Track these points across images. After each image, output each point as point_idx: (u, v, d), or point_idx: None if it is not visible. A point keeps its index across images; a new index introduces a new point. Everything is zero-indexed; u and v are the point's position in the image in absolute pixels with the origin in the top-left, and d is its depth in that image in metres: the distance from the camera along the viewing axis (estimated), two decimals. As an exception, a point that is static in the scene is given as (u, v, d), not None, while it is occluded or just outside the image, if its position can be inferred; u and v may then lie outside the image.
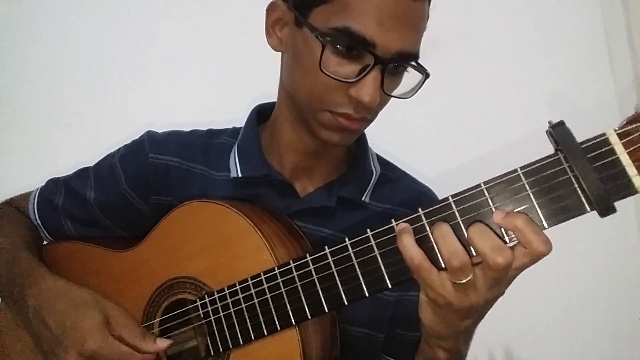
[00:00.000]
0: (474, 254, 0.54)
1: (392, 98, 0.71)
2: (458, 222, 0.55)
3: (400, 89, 0.71)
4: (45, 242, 0.92)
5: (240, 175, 0.78)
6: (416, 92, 0.71)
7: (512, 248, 0.53)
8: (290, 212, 0.78)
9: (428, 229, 0.56)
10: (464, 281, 0.54)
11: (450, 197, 0.56)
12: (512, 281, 0.57)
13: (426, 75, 0.69)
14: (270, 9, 0.73)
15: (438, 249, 0.55)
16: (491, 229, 0.54)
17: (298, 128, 0.76)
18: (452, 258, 0.54)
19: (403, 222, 0.58)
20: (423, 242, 0.56)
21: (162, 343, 0.73)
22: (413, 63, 0.68)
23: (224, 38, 1.26)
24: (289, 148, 0.79)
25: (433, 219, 0.57)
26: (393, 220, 0.59)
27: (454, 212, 0.56)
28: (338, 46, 0.64)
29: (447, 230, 0.55)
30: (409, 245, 0.56)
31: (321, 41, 0.64)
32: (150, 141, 0.84)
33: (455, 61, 1.20)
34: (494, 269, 0.52)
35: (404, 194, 0.84)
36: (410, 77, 0.70)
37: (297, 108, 0.74)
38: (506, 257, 0.52)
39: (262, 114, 0.85)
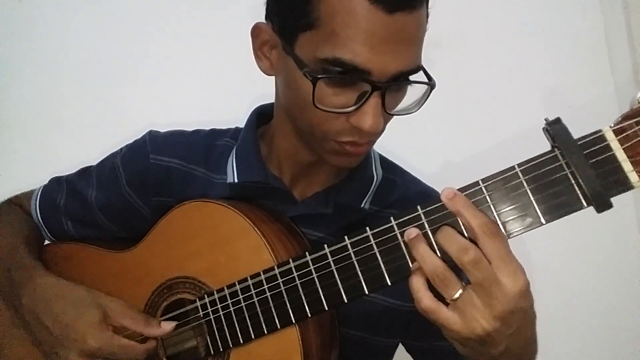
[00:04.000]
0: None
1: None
2: (457, 220, 0.55)
3: (404, 103, 0.68)
4: (46, 242, 0.92)
5: (236, 180, 0.77)
6: (422, 104, 0.68)
7: (477, 245, 0.53)
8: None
9: (427, 226, 0.56)
10: (456, 296, 0.53)
11: (448, 195, 0.56)
12: (511, 288, 0.51)
13: (431, 86, 0.65)
14: (254, 33, 0.70)
15: (423, 270, 0.55)
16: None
17: (296, 142, 0.75)
18: (436, 271, 0.53)
19: (409, 228, 0.57)
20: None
21: (167, 325, 0.73)
22: (415, 78, 0.65)
23: (225, 37, 1.26)
24: (287, 158, 0.78)
25: (432, 217, 0.56)
26: (392, 218, 0.58)
27: (452, 210, 0.56)
28: (331, 76, 0.60)
29: (424, 248, 0.54)
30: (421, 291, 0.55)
31: (311, 79, 0.60)
32: (151, 142, 0.84)
33: (453, 58, 1.20)
34: (467, 269, 0.52)
35: (409, 198, 0.82)
36: (416, 88, 0.67)
37: (297, 129, 0.72)
38: (470, 255, 0.51)
39: (263, 115, 0.84)
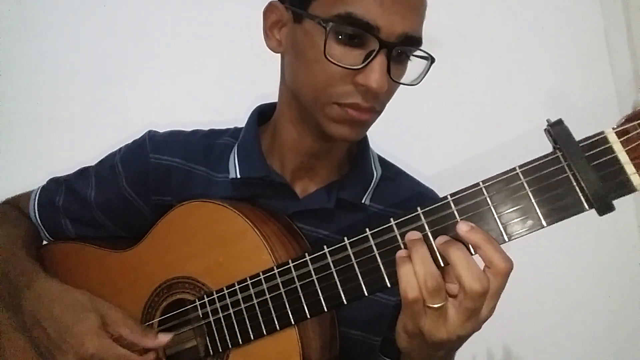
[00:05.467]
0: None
1: (399, 87, 0.71)
2: (457, 221, 0.55)
3: (406, 76, 0.71)
4: (45, 242, 0.92)
5: (238, 176, 0.78)
6: (423, 78, 0.71)
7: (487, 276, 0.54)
8: (289, 213, 0.77)
9: (427, 228, 0.56)
10: (437, 306, 0.55)
11: (449, 196, 0.56)
12: (486, 316, 0.57)
13: (432, 59, 0.69)
14: (267, 11, 0.73)
15: (415, 270, 0.55)
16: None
17: (300, 128, 0.76)
18: (429, 277, 0.54)
19: (411, 231, 0.57)
20: None
21: (164, 337, 0.73)
22: (418, 48, 0.68)
23: (225, 38, 1.26)
24: (291, 149, 0.79)
25: (432, 218, 0.56)
26: (392, 219, 0.58)
27: (452, 211, 0.56)
28: (340, 36, 0.64)
29: (424, 253, 0.55)
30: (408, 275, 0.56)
31: (324, 27, 0.64)
32: (151, 141, 0.84)
33: (454, 59, 1.19)
34: (470, 296, 0.53)
35: (406, 196, 0.83)
36: (415, 65, 0.70)
37: (302, 107, 0.73)
38: (484, 285, 0.53)
39: (263, 114, 0.85)
